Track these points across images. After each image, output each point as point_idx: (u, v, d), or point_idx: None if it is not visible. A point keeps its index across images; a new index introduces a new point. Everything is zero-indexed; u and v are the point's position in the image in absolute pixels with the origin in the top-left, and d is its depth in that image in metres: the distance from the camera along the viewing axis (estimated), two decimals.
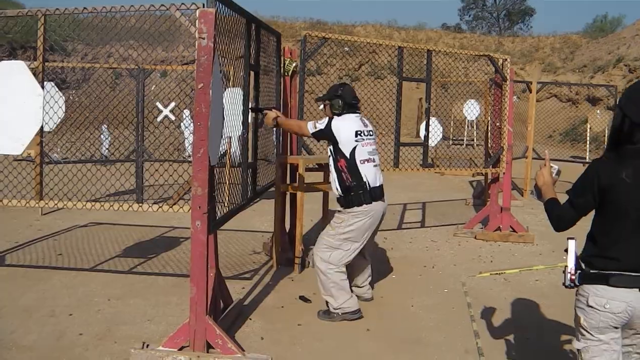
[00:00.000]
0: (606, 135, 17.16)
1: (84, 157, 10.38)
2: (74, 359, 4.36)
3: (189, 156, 9.14)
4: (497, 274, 6.65)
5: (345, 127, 5.10)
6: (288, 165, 6.89)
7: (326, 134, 5.12)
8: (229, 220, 4.86)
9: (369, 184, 5.05)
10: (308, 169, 7.07)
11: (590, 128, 17.27)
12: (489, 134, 9.44)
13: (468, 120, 19.38)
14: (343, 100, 5.20)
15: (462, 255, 7.48)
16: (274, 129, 6.43)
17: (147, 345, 4.38)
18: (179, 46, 23.41)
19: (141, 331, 4.87)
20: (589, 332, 2.88)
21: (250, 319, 5.19)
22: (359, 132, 5.11)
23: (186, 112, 12.10)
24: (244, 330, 4.95)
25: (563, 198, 2.97)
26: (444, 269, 6.96)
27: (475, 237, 8.43)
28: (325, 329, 5.06)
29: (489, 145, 9.32)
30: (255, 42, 5.52)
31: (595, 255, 2.86)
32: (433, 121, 12.08)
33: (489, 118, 9.72)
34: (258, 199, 8.82)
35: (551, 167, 3.17)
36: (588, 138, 17.48)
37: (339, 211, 5.20)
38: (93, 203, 5.33)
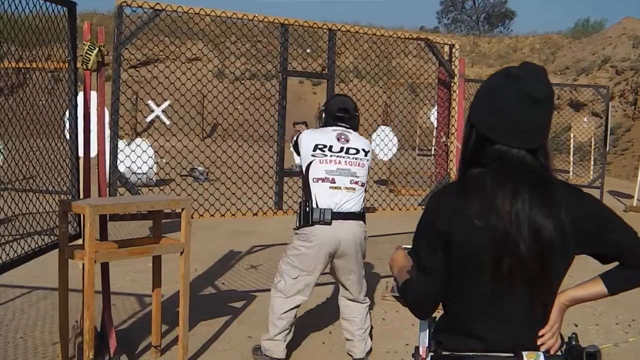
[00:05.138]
0: (592, 145, 15.08)
1: None
2: None
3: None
4: None
5: (308, 140, 4.44)
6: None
7: (295, 148, 4.58)
8: None
9: (317, 204, 4.27)
10: (133, 216, 4.56)
11: (574, 137, 15.45)
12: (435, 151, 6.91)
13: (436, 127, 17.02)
14: (327, 112, 4.60)
15: (379, 344, 4.80)
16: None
17: None
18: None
19: None
20: None
21: None
22: (321, 146, 4.37)
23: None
24: None
25: None
26: None
27: None
28: None
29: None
30: None
31: (446, 331, 1.85)
32: (384, 130, 9.58)
33: (435, 129, 7.19)
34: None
35: (405, 248, 2.14)
36: (572, 148, 15.68)
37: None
38: None
